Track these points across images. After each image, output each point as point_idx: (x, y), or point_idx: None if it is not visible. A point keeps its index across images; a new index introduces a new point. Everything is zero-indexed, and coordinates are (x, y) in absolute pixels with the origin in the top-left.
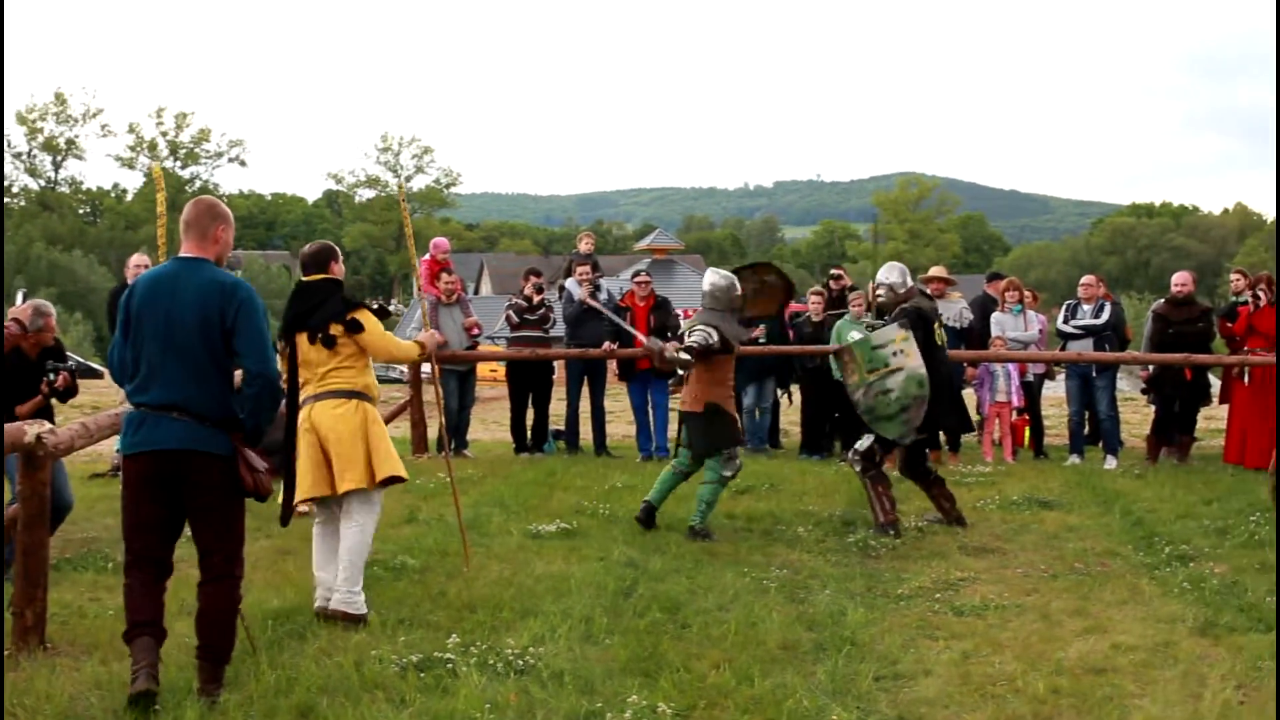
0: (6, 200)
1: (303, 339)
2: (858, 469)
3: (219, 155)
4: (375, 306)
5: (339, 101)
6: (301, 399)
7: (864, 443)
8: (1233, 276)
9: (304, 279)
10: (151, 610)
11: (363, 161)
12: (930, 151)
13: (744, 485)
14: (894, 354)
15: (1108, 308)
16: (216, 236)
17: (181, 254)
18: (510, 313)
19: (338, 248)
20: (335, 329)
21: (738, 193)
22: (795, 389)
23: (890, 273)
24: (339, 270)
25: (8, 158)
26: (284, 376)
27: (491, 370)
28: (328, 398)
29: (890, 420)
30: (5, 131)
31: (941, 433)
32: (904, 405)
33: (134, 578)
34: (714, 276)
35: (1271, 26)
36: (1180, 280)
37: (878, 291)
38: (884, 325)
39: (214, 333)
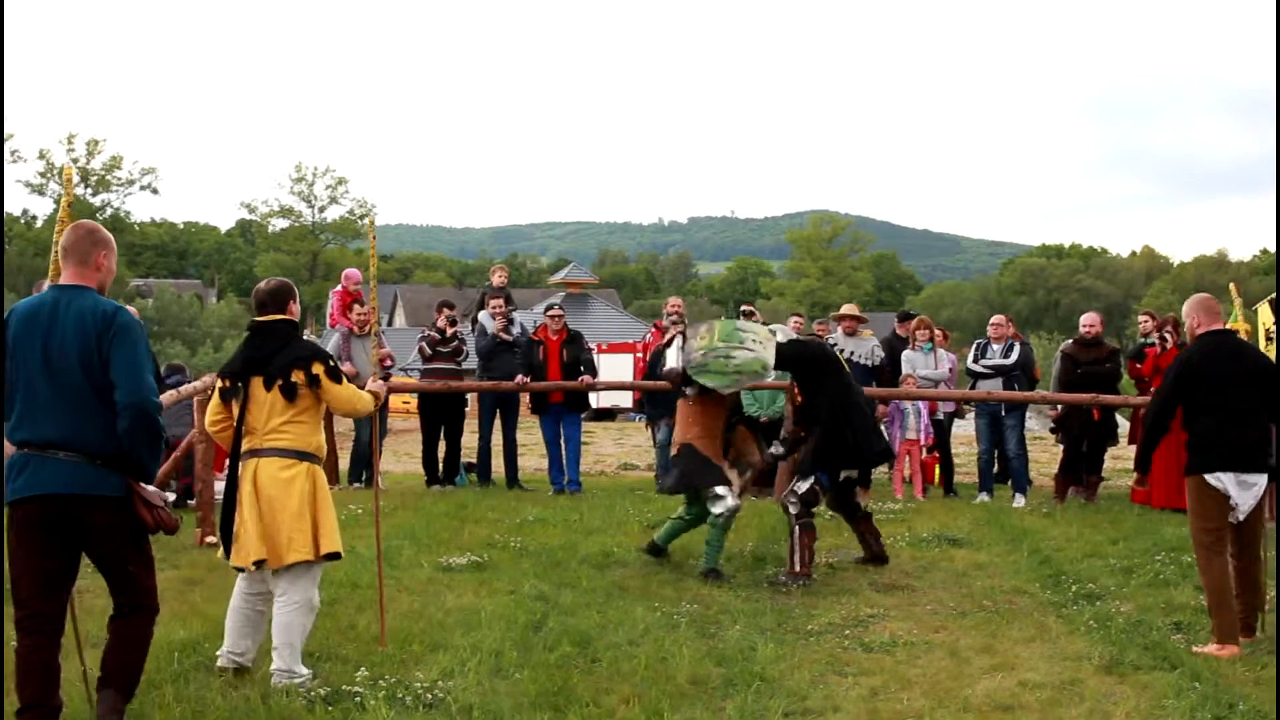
0: None
1: (258, 384)
2: (792, 511)
3: (131, 183)
4: (332, 364)
5: (253, 130)
6: (246, 448)
7: (803, 485)
8: (1141, 318)
9: (259, 319)
10: (45, 685)
11: (276, 191)
12: (844, 190)
13: (657, 520)
14: (751, 342)
15: (1017, 347)
16: (98, 263)
17: (61, 282)
18: (423, 345)
19: (294, 287)
20: (298, 376)
21: (652, 228)
22: None
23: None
24: (296, 310)
25: None
26: (216, 423)
27: (404, 402)
28: (275, 455)
29: (720, 374)
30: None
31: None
32: (739, 370)
33: (26, 643)
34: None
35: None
36: (1088, 321)
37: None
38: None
39: (95, 363)
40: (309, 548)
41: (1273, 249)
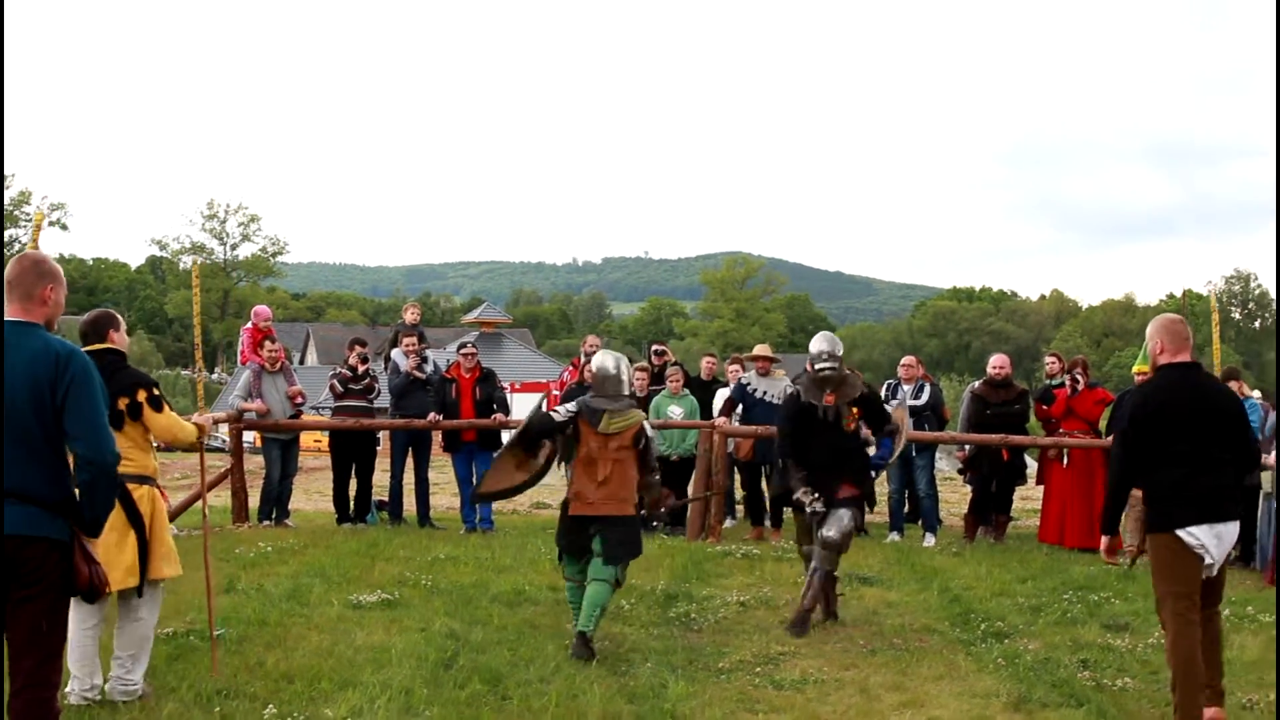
0: None
1: None
2: (827, 565)
3: (54, 224)
4: (156, 393)
5: (164, 166)
6: None
7: (845, 523)
8: (1048, 359)
9: (85, 348)
10: None
11: (187, 228)
12: (757, 232)
13: None
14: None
15: (927, 388)
16: (44, 297)
17: (5, 318)
18: (335, 382)
19: (119, 316)
20: (122, 403)
21: (566, 268)
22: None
23: (827, 343)
24: (118, 338)
25: None
26: None
27: (316, 440)
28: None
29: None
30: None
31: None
32: None
33: None
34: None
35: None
36: (998, 363)
37: (830, 365)
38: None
39: (47, 409)
40: (149, 571)
41: (1179, 294)
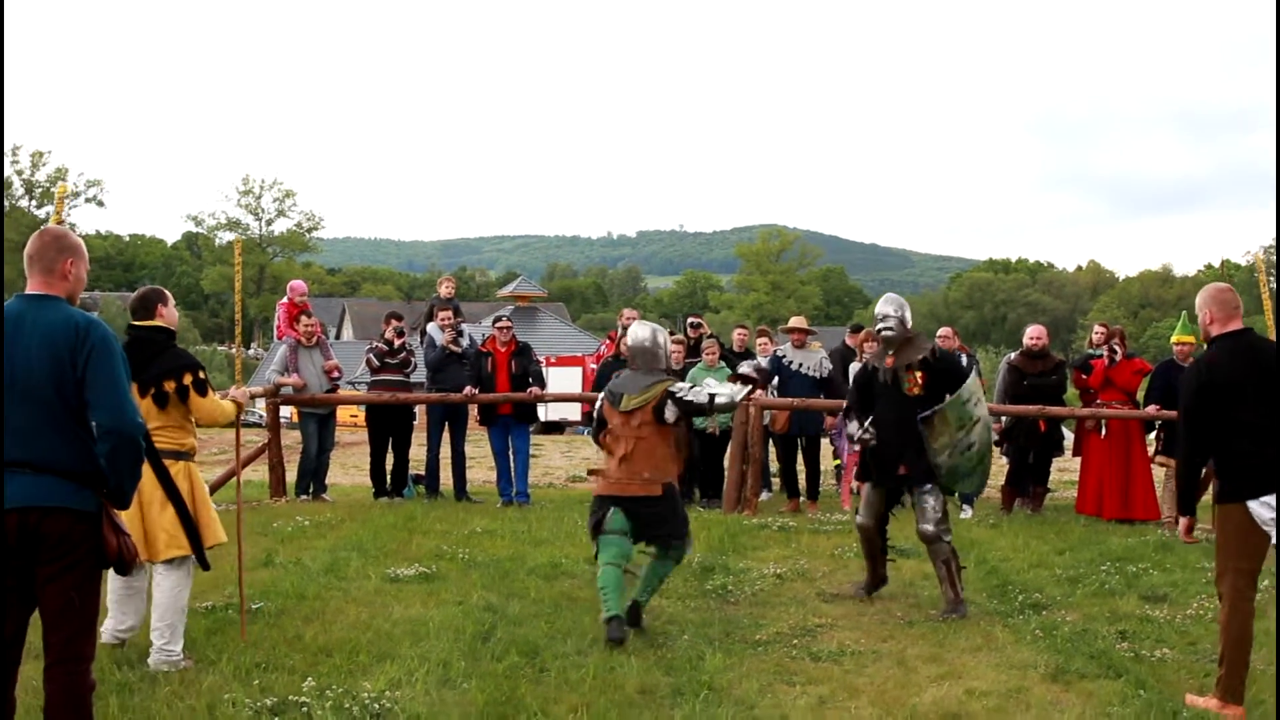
0: None
1: (134, 390)
2: (945, 538)
3: (76, 195)
4: (201, 376)
5: (200, 142)
6: None
7: (936, 505)
8: (1096, 328)
9: (134, 323)
10: None
11: (223, 204)
12: (792, 204)
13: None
14: (975, 403)
15: (964, 360)
16: (65, 271)
17: (27, 291)
18: (371, 356)
19: (167, 292)
20: (169, 386)
21: (601, 242)
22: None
23: (890, 305)
24: (167, 314)
25: None
26: None
27: (352, 415)
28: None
29: (970, 476)
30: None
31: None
32: (982, 455)
33: None
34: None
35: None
36: (1034, 334)
37: (887, 325)
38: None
39: (68, 381)
40: (186, 543)
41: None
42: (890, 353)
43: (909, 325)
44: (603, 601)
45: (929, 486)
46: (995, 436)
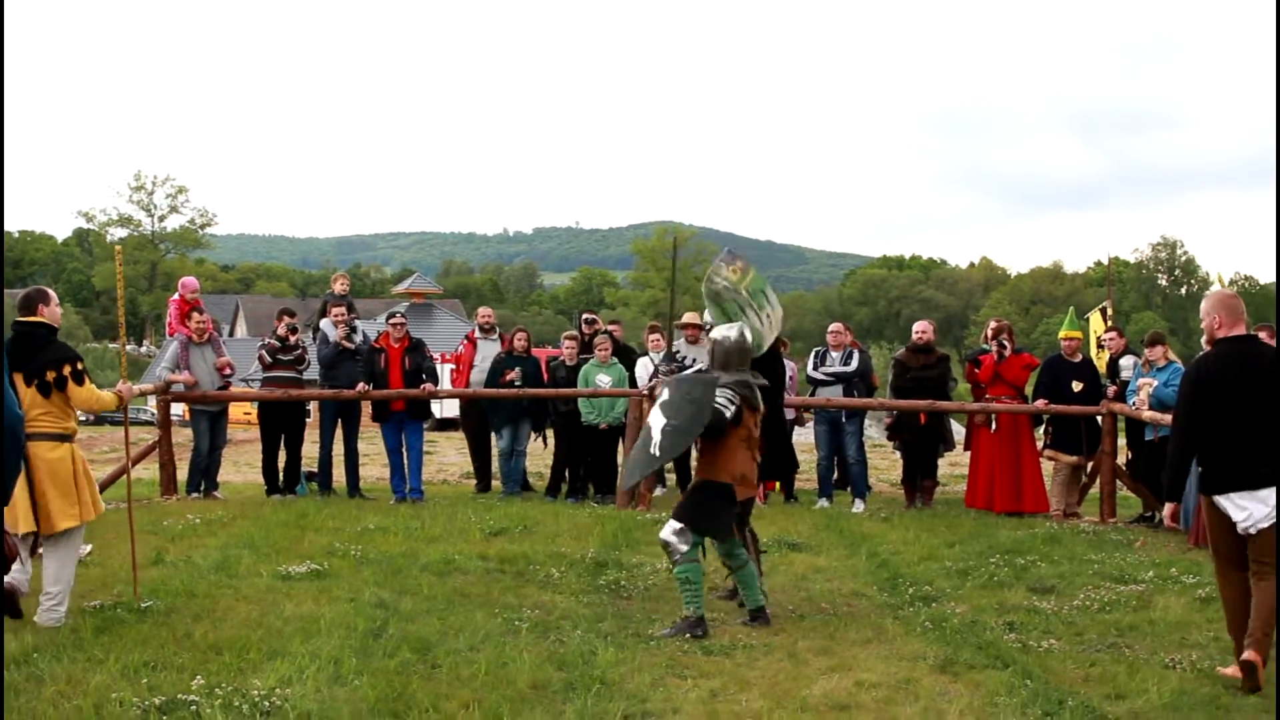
0: None
1: (19, 379)
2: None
3: None
4: (80, 368)
5: (91, 138)
6: None
7: None
8: (992, 322)
9: (19, 319)
10: None
11: (115, 200)
12: (688, 201)
13: (497, 527)
14: (767, 316)
15: (856, 354)
16: None
17: None
18: (263, 353)
19: (50, 291)
20: (50, 375)
21: (497, 238)
22: (549, 432)
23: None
24: (49, 312)
25: None
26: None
27: (246, 413)
28: (41, 439)
29: (724, 314)
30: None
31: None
32: (746, 328)
33: None
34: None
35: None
36: (920, 328)
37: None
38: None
39: None
40: (78, 515)
41: (1105, 261)
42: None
43: None
44: (694, 600)
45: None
46: (885, 431)
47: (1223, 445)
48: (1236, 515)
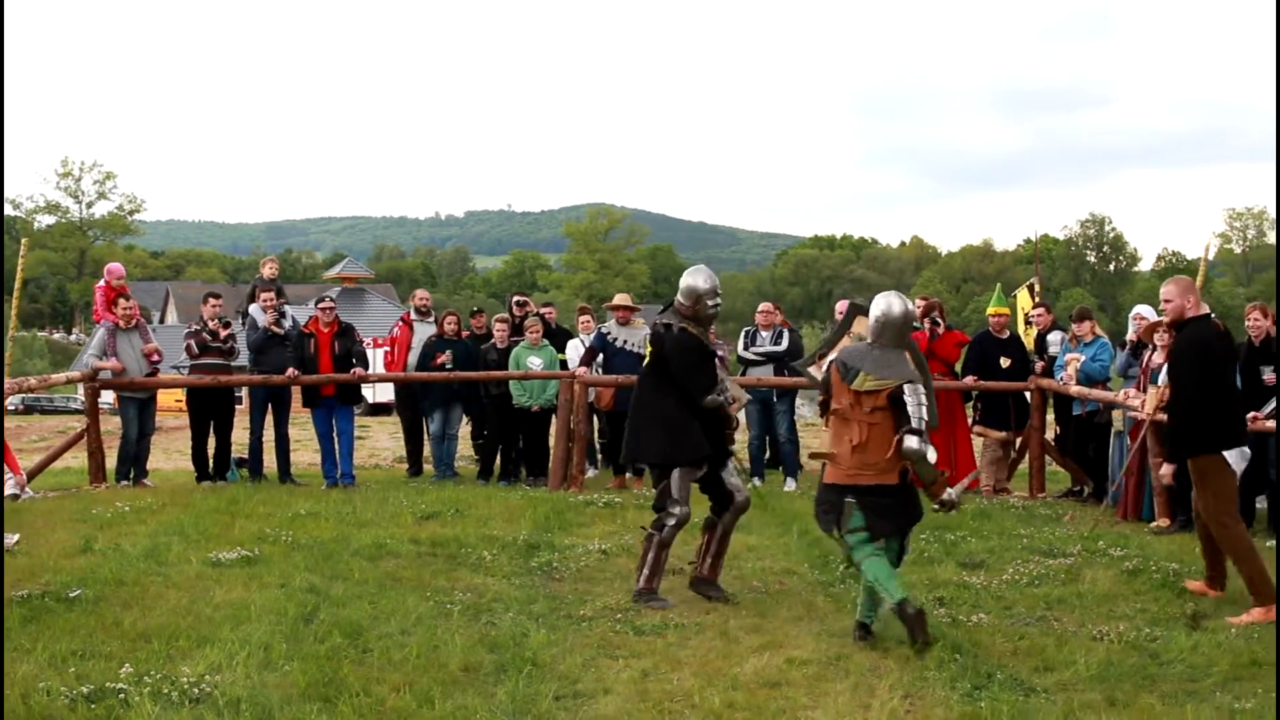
0: None
1: None
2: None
3: None
4: None
5: (16, 123)
6: None
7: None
8: (920, 300)
9: None
10: None
11: (41, 187)
12: (620, 183)
13: (429, 511)
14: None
15: (786, 334)
16: None
17: None
18: (191, 343)
19: None
20: None
21: (429, 222)
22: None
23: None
24: None
25: None
26: None
27: (177, 400)
28: None
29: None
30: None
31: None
32: None
33: None
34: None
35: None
36: (842, 308)
37: (719, 302)
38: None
39: None
40: None
41: (1035, 238)
42: (712, 329)
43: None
44: (886, 593)
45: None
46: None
47: (1232, 408)
48: (1240, 464)
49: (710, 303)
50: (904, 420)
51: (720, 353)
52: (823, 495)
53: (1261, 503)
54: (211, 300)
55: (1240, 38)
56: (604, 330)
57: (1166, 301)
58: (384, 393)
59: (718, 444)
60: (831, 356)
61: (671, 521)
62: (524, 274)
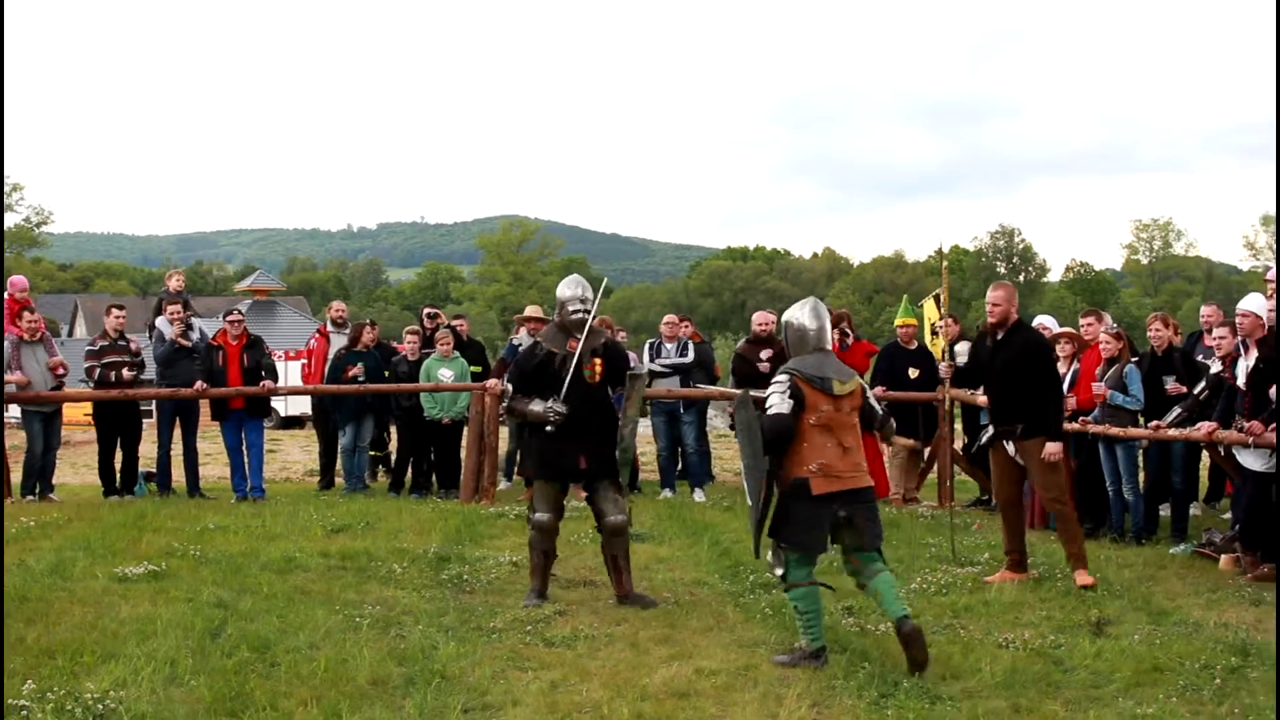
0: None
1: None
2: (618, 550)
3: None
4: None
5: None
6: None
7: (622, 500)
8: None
9: None
10: None
11: None
12: (533, 195)
13: (339, 524)
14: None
15: (691, 346)
16: None
17: None
18: (93, 365)
19: None
20: None
21: (341, 234)
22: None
23: (584, 289)
24: None
25: None
26: None
27: (85, 414)
28: None
29: (627, 462)
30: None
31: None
32: (629, 450)
33: None
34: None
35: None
36: (760, 320)
37: (585, 309)
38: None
39: None
40: None
41: (943, 249)
42: (573, 337)
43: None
44: (809, 630)
45: (611, 478)
46: (729, 421)
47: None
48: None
49: (571, 309)
50: (871, 416)
51: (632, 364)
52: (809, 511)
53: (1165, 510)
54: (115, 311)
55: (1150, 49)
56: (515, 343)
57: (995, 305)
58: (297, 405)
59: (599, 461)
60: (781, 378)
61: (530, 530)
62: (437, 286)
